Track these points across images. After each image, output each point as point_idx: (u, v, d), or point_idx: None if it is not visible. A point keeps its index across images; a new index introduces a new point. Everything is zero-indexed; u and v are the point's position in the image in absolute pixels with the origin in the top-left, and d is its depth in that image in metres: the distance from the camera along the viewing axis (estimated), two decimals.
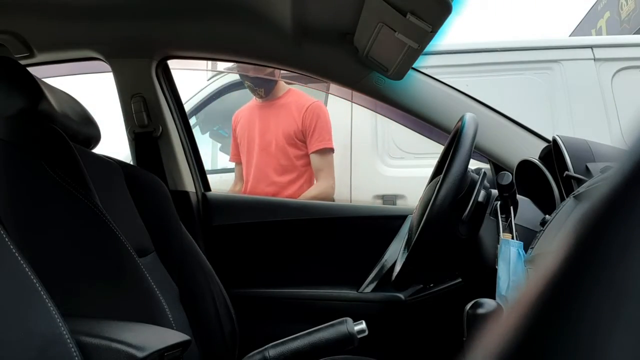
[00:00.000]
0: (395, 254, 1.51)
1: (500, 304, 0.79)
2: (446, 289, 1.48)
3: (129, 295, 0.94)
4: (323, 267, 1.61)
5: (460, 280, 1.44)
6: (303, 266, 1.62)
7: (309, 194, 2.07)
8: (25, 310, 0.70)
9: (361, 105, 2.02)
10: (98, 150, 1.21)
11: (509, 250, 0.88)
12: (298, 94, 2.16)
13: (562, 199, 0.98)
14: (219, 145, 3.09)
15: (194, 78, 2.73)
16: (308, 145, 2.09)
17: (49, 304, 0.71)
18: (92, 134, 1.15)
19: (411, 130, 1.87)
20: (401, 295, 1.48)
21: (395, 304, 1.49)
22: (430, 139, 1.87)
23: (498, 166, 1.39)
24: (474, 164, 1.17)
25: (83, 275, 0.90)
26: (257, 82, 2.09)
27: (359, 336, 0.90)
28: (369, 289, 1.52)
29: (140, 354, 0.72)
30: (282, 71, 2.02)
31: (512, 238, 0.92)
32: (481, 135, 1.10)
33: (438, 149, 1.29)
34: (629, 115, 2.27)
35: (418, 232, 0.99)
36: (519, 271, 0.85)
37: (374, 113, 2.23)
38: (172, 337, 0.83)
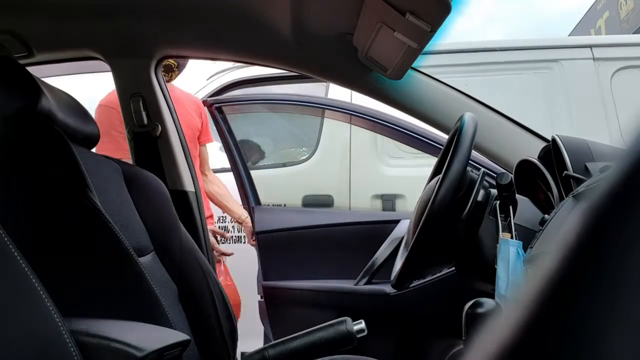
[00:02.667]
0: (385, 253, 1.57)
1: (500, 304, 0.79)
2: (431, 281, 1.52)
3: (128, 294, 0.94)
4: (324, 266, 1.64)
5: (451, 269, 1.46)
6: (302, 266, 1.64)
7: (224, 191, 2.09)
8: (25, 310, 0.70)
9: (361, 127, 2.04)
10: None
11: (508, 250, 0.88)
12: (179, 88, 2.12)
13: (561, 199, 0.98)
14: (219, 144, 3.09)
15: (193, 77, 2.72)
16: (200, 138, 2.10)
17: (48, 304, 0.71)
18: (91, 133, 1.15)
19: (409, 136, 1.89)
20: (385, 289, 1.54)
21: (381, 297, 1.54)
22: (426, 152, 1.89)
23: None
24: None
25: (82, 275, 0.90)
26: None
27: (358, 336, 0.90)
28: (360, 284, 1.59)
29: (139, 354, 0.72)
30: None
31: (512, 237, 0.92)
32: (480, 134, 1.10)
33: (435, 150, 1.30)
34: (628, 115, 2.27)
35: (417, 231, 0.99)
36: (518, 271, 0.85)
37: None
38: (171, 336, 0.83)
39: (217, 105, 1.90)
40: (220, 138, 1.92)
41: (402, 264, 1.09)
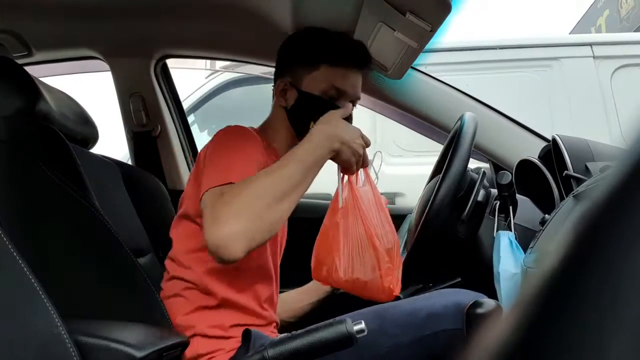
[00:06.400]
0: None
1: (500, 304, 0.79)
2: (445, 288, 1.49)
3: (127, 295, 0.93)
4: None
5: (459, 279, 1.45)
6: (302, 265, 1.63)
7: None
8: (24, 310, 0.70)
9: (361, 126, 2.01)
10: (96, 150, 1.21)
11: (500, 240, 0.88)
12: None
13: (562, 199, 0.98)
14: None
15: (192, 76, 2.72)
16: None
17: (48, 304, 0.71)
18: (89, 133, 1.15)
19: (411, 129, 1.86)
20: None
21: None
22: (430, 137, 1.86)
23: (497, 165, 1.39)
24: (473, 164, 1.16)
25: (81, 275, 0.90)
26: None
27: (358, 336, 0.90)
28: None
29: (138, 354, 0.72)
30: None
31: None
32: (480, 134, 1.10)
33: (437, 147, 1.29)
34: (628, 113, 2.27)
35: (417, 231, 0.99)
36: (509, 259, 0.85)
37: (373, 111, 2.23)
38: (170, 337, 0.82)
39: None
40: None
41: (402, 265, 1.09)
